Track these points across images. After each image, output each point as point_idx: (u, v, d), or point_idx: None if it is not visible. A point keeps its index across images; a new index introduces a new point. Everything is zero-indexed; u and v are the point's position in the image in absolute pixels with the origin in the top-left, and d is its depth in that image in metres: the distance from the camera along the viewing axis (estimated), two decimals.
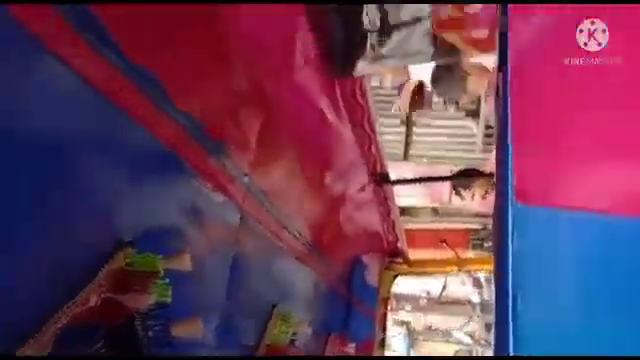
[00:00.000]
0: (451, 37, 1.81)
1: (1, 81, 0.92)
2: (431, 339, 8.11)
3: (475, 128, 4.51)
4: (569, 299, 1.12)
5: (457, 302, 7.41)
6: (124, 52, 1.16)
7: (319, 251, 2.68)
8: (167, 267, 1.23)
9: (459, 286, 7.16)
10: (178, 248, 1.38)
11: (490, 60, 2.95)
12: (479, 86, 3.56)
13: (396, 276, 4.06)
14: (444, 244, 4.58)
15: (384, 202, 3.16)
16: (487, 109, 3.77)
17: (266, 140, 1.84)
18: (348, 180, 2.67)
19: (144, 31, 1.23)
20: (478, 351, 7.60)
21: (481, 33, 1.74)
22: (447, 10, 1.76)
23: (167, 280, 1.21)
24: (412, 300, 7.66)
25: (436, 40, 1.90)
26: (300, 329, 2.38)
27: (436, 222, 6.65)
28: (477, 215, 6.31)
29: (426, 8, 1.85)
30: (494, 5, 1.53)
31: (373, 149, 2.62)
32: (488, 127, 4.29)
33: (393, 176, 3.15)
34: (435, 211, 6.75)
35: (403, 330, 7.94)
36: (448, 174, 4.82)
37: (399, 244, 3.76)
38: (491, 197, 4.38)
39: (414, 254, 4.23)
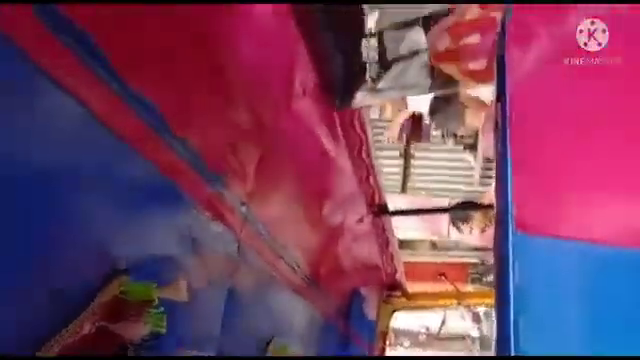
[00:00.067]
0: (449, 68, 1.83)
1: None
2: None
3: (473, 161, 4.52)
4: (570, 330, 1.11)
5: (456, 337, 7.31)
6: (123, 79, 1.16)
7: (316, 283, 2.65)
8: (162, 296, 1.21)
9: (458, 321, 7.07)
10: (174, 277, 1.36)
11: (488, 92, 2.98)
12: (477, 119, 3.59)
13: (394, 311, 4.02)
14: (443, 277, 4.54)
15: (382, 233, 3.14)
16: (485, 142, 3.79)
17: (264, 170, 1.83)
18: (346, 211, 2.66)
19: (144, 59, 1.24)
20: None
21: (479, 64, 1.76)
22: (444, 42, 1.78)
23: (162, 309, 1.18)
24: (411, 335, 7.56)
25: (433, 72, 1.92)
26: None
27: (434, 256, 6.61)
28: (476, 249, 6.28)
29: (424, 41, 1.87)
30: (492, 36, 1.54)
31: (371, 180, 2.62)
32: (486, 160, 4.31)
33: (391, 208, 3.14)
34: (434, 245, 6.72)
35: None
36: (446, 206, 4.82)
37: (398, 276, 3.73)
38: (490, 231, 4.37)
39: (413, 287, 4.19)
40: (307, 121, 2.01)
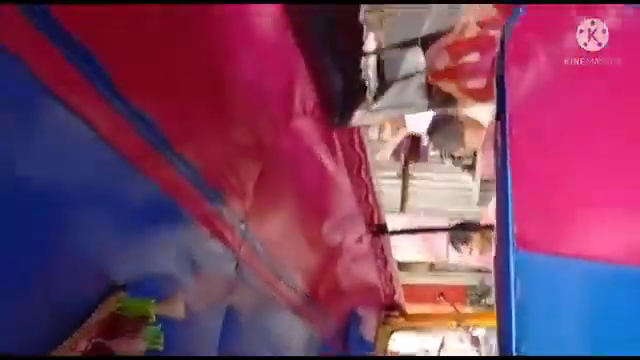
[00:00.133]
0: (448, 87, 1.83)
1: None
2: None
3: (471, 182, 4.53)
4: (571, 346, 1.10)
5: None
6: (124, 96, 1.16)
7: (315, 303, 2.63)
8: (159, 313, 1.20)
9: (457, 344, 7.02)
10: (171, 294, 1.35)
11: (486, 112, 2.99)
12: (476, 139, 3.60)
13: (393, 332, 3.98)
14: (442, 298, 4.52)
15: (381, 253, 3.13)
16: (484, 161, 3.80)
17: (264, 188, 1.83)
18: (345, 230, 2.65)
19: (145, 76, 1.24)
20: None
21: (478, 83, 1.76)
22: (444, 61, 1.79)
23: (159, 326, 1.17)
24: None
25: (431, 91, 1.93)
26: None
27: (433, 277, 6.59)
28: (474, 271, 6.25)
29: (422, 61, 1.88)
30: (491, 54, 1.55)
31: (370, 199, 2.62)
32: (485, 181, 4.31)
33: (390, 228, 3.14)
34: (432, 267, 6.69)
35: None
36: (446, 226, 4.81)
37: (396, 297, 3.70)
38: (489, 252, 4.36)
39: (411, 309, 4.17)
40: (306, 139, 2.02)
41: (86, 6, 1.01)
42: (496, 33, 1.53)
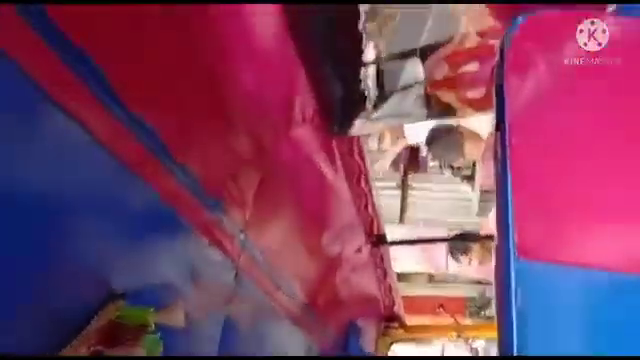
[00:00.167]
0: (447, 96, 1.84)
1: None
2: None
3: (471, 192, 4.53)
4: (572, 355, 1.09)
5: None
6: (124, 103, 1.16)
7: (314, 314, 2.62)
8: (158, 321, 1.19)
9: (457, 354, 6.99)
10: (171, 303, 1.34)
11: (485, 123, 3.00)
12: (475, 150, 3.60)
13: (392, 343, 3.97)
14: (441, 309, 4.50)
15: (380, 264, 3.12)
16: (484, 171, 3.80)
17: (263, 197, 1.83)
18: (345, 240, 2.65)
19: (145, 84, 1.24)
20: None
21: (477, 92, 1.77)
22: (443, 70, 1.80)
23: (159, 334, 1.16)
24: None
25: (430, 102, 1.93)
26: None
27: (432, 289, 6.56)
28: (474, 282, 6.23)
29: (420, 72, 1.89)
30: (490, 64, 1.56)
31: (370, 208, 2.61)
32: (484, 192, 4.31)
33: (389, 238, 3.13)
34: (431, 278, 6.67)
35: None
36: (445, 236, 4.80)
37: (395, 308, 3.69)
38: (488, 263, 4.35)
39: (411, 321, 4.15)
40: (306, 148, 2.02)
41: (84, 9, 1.01)
42: (495, 42, 1.53)
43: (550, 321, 1.14)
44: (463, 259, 4.53)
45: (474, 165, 4.33)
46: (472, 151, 3.59)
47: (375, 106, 1.97)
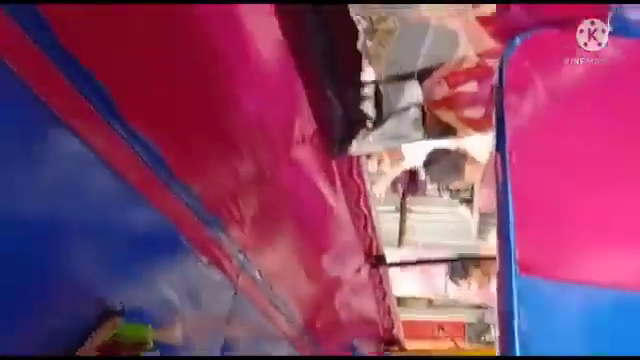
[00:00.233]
0: (446, 116, 1.84)
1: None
2: None
3: (470, 215, 4.51)
4: None
5: None
6: (126, 121, 1.17)
7: (312, 336, 2.59)
8: (156, 339, 1.18)
9: None
10: (169, 321, 1.33)
11: (484, 145, 3.00)
12: (473, 173, 3.60)
13: None
14: (441, 331, 4.46)
15: (379, 285, 3.10)
16: (484, 192, 3.80)
17: (263, 217, 1.82)
18: (344, 260, 2.63)
19: (147, 103, 1.25)
20: None
21: (476, 112, 1.77)
22: (442, 91, 1.81)
23: (157, 352, 1.15)
24: None
25: (429, 122, 1.93)
26: None
27: (431, 314, 6.51)
28: (474, 307, 6.18)
29: (418, 94, 1.89)
30: (489, 84, 1.57)
31: (369, 229, 2.61)
32: (483, 214, 4.30)
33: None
34: (431, 302, 6.62)
35: None
36: (444, 258, 4.78)
37: (395, 331, 3.65)
38: (488, 287, 4.32)
39: (410, 345, 4.11)
40: (306, 168, 2.02)
41: (92, 31, 1.02)
42: (494, 62, 1.55)
43: (552, 337, 1.13)
44: (462, 283, 4.51)
45: (472, 188, 4.33)
46: (472, 174, 3.59)
47: (374, 126, 1.98)
